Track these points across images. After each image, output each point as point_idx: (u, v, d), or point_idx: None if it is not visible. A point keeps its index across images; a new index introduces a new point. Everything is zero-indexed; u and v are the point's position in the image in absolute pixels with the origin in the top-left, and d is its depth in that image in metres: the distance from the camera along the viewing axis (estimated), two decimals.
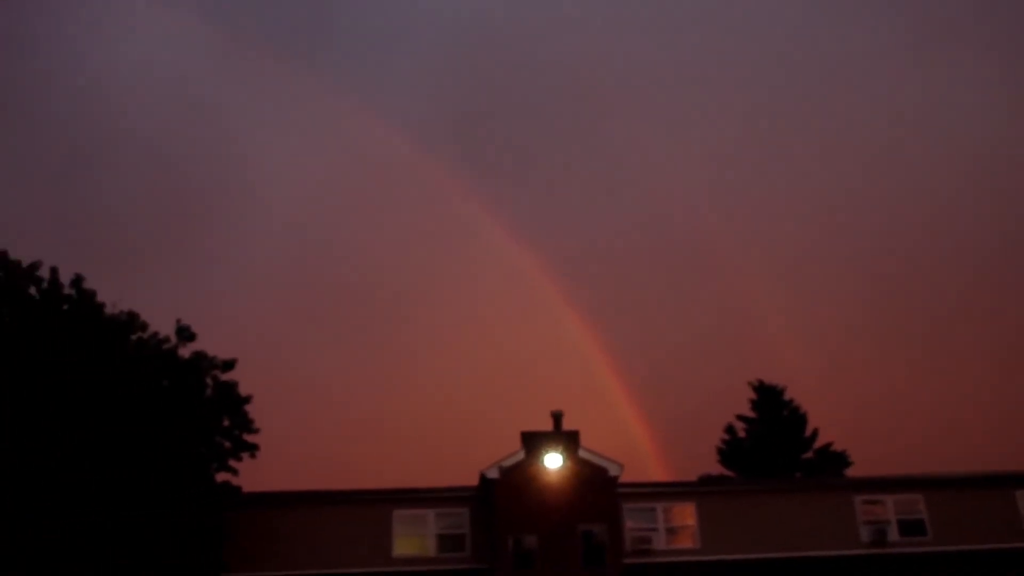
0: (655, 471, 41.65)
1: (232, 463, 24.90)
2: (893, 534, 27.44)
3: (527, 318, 52.31)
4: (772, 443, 42.01)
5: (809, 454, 41.99)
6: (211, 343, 24.72)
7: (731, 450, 43.30)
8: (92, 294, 22.65)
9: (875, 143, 58.20)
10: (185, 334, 24.06)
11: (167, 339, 24.08)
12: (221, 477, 24.84)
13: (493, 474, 26.26)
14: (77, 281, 22.54)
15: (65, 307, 22.27)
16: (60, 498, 20.44)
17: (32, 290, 22.06)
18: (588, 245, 56.83)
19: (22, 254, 22.24)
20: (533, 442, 26.86)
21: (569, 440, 26.97)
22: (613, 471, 26.62)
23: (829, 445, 41.85)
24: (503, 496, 26.06)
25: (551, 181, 58.70)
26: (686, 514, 27.46)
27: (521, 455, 26.68)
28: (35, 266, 22.24)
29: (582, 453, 26.77)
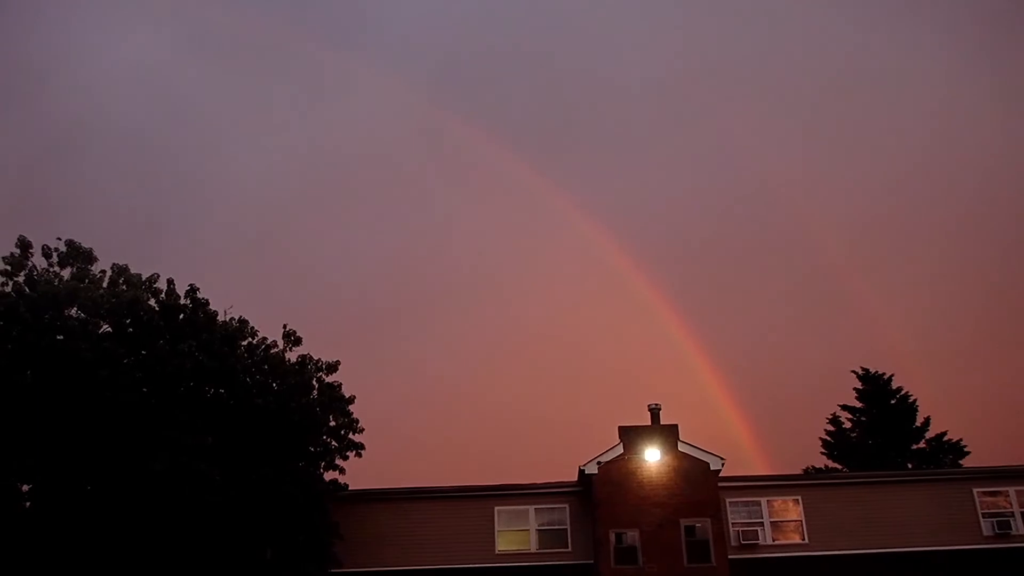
0: (757, 464, 40.91)
1: (339, 461, 25.79)
2: (1018, 526, 26.31)
3: (621, 313, 52.07)
4: (880, 433, 40.71)
5: (921, 444, 40.46)
6: (315, 346, 25.69)
7: (836, 441, 42.16)
8: (205, 302, 23.81)
9: (987, 126, 55.48)
10: (292, 338, 25.07)
11: (275, 343, 25.10)
12: (329, 475, 25.75)
13: (592, 469, 26.37)
14: (192, 291, 23.75)
15: (181, 316, 23.46)
16: (185, 494, 21.58)
17: (151, 301, 23.33)
18: (678, 236, 56.13)
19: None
20: (631, 436, 26.85)
21: (668, 434, 26.85)
22: (715, 464, 26.36)
23: (943, 434, 40.22)
24: (603, 491, 26.15)
25: (638, 174, 58.14)
26: (792, 508, 26.96)
27: (619, 449, 26.71)
28: (153, 278, 23.54)
29: (681, 447, 26.61)
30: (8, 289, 21.88)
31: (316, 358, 25.20)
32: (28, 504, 22.12)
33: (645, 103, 58.67)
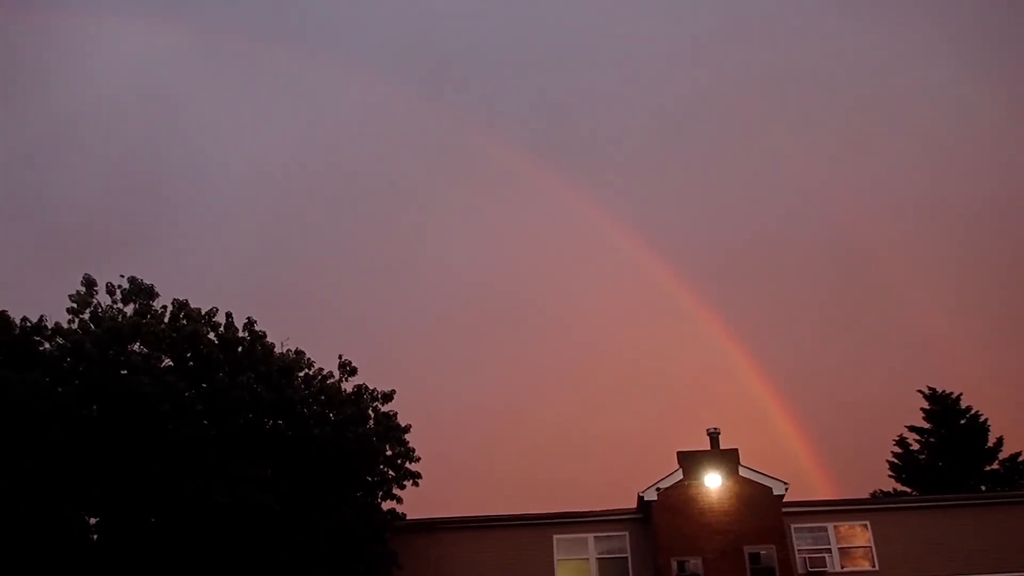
0: (821, 489, 39.87)
1: (396, 491, 25.88)
2: None
3: (672, 334, 51.43)
4: (950, 455, 39.39)
5: (994, 465, 39.04)
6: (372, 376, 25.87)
7: (905, 464, 40.91)
8: (263, 335, 24.19)
9: None
10: (347, 368, 25.32)
11: (330, 374, 25.36)
12: (387, 505, 25.86)
13: (651, 496, 25.99)
14: (250, 324, 24.17)
15: (240, 349, 23.87)
16: (246, 526, 21.82)
17: (210, 334, 23.78)
18: (728, 254, 55.33)
19: None
20: (690, 461, 26.41)
21: (728, 458, 26.35)
22: (778, 489, 25.76)
23: (1017, 455, 38.75)
24: (663, 518, 25.73)
25: (682, 189, 57.59)
26: (860, 533, 26.18)
27: (679, 475, 26.29)
28: (213, 312, 24.02)
29: (743, 471, 26.07)
30: (75, 326, 22.48)
31: (371, 388, 25.42)
32: (95, 536, 22.56)
33: (684, 118, 58.27)
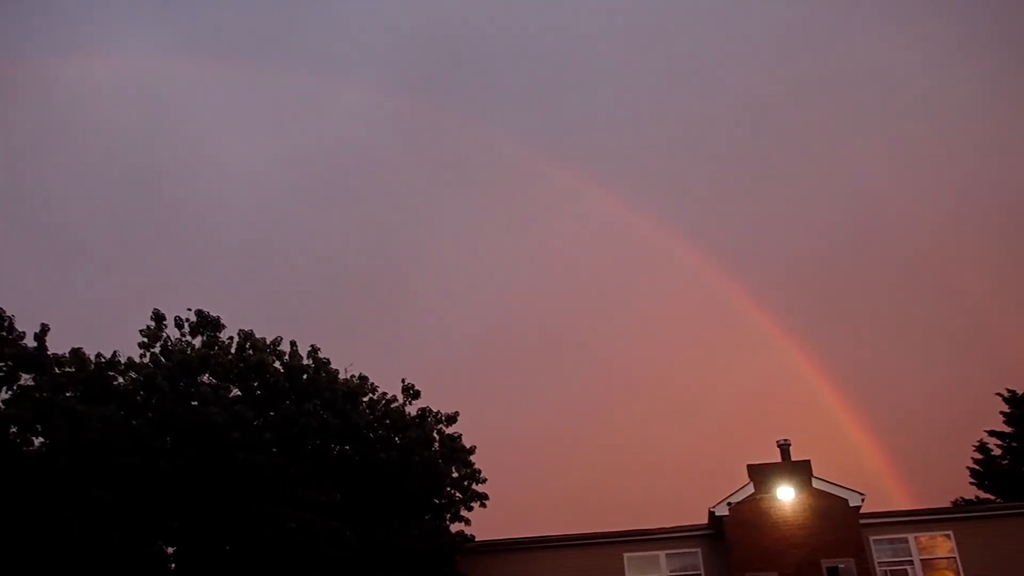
0: (898, 498, 38.61)
1: (464, 512, 25.89)
2: None
3: (735, 345, 50.60)
4: None
5: None
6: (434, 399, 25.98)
7: (986, 470, 39.44)
8: (327, 361, 24.54)
9: None
10: (411, 392, 25.52)
11: (394, 398, 25.57)
12: (455, 527, 25.89)
13: (722, 511, 25.50)
14: (314, 352, 24.55)
15: (305, 376, 24.23)
16: (318, 551, 22.03)
17: (276, 363, 24.19)
18: (792, 260, 54.26)
19: None
20: (761, 474, 25.85)
21: (800, 470, 25.74)
22: (854, 500, 25.04)
23: None
24: (736, 533, 25.20)
25: (740, 196, 56.72)
26: (942, 543, 25.27)
27: (750, 489, 25.74)
28: (277, 341, 24.46)
29: (816, 483, 25.42)
30: (146, 360, 23.07)
31: (435, 410, 25.57)
32: (173, 566, 23.01)
33: (736, 126, 57.50)
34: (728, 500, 25.56)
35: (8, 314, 22.12)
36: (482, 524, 26.30)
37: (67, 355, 22.27)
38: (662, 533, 26.77)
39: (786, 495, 25.38)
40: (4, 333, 22.00)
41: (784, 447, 26.38)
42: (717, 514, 25.56)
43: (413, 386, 25.52)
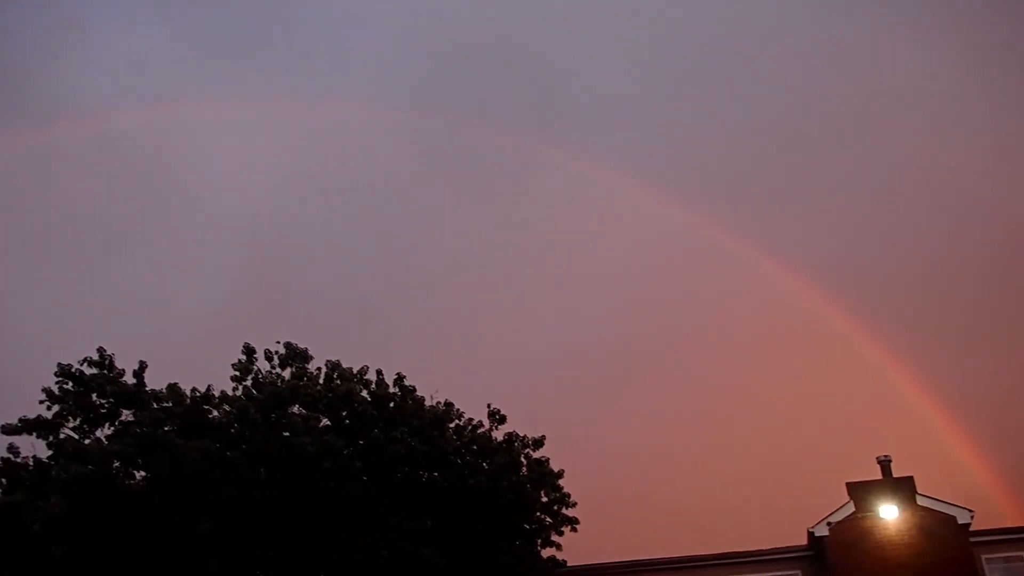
0: (1012, 516, 36.58)
1: (555, 537, 25.65)
2: None
3: (829, 360, 48.97)
4: None
5: None
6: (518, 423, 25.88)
7: None
8: (412, 389, 24.74)
9: None
10: (497, 417, 25.48)
11: (480, 423, 25.58)
12: (546, 552, 25.64)
13: (822, 531, 24.56)
14: (399, 379, 24.80)
15: (391, 404, 24.46)
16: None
17: (363, 392, 24.50)
18: (884, 271, 52.31)
19: None
20: (862, 492, 24.83)
21: (903, 487, 24.64)
22: (963, 518, 23.80)
23: None
24: (838, 555, 24.23)
25: (822, 204, 55.01)
26: None
27: (850, 508, 24.74)
28: (364, 370, 24.78)
29: (921, 500, 24.28)
30: (239, 393, 23.65)
31: (522, 434, 25.46)
32: None
33: (828, 137, 56.01)
34: (828, 520, 24.62)
35: (108, 352, 23.06)
36: (573, 548, 26.00)
37: (164, 390, 23.05)
38: (760, 555, 25.93)
39: (889, 513, 24.31)
40: (105, 371, 22.94)
41: (885, 463, 25.32)
42: (817, 534, 24.63)
43: (499, 411, 25.51)
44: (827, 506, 24.95)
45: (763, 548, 26.05)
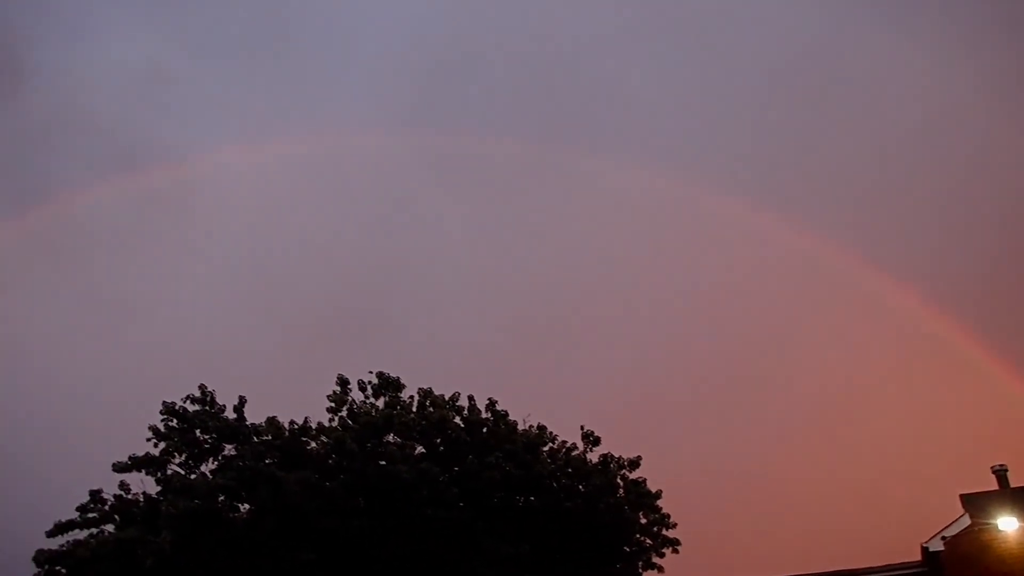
0: None
1: (656, 559, 25.19)
2: None
3: (932, 366, 47.04)
4: None
5: None
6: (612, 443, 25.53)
7: None
8: (505, 414, 24.71)
9: None
10: (591, 439, 25.22)
11: (574, 446, 25.35)
12: (648, 575, 25.19)
13: (936, 546, 23.56)
14: (491, 404, 24.80)
15: (484, 429, 24.46)
16: None
17: (456, 419, 24.57)
18: (984, 270, 50.01)
19: None
20: (977, 505, 23.74)
21: (1021, 497, 23.44)
22: None
23: None
24: (955, 570, 23.21)
25: (917, 206, 53.01)
26: None
27: (965, 521, 23.67)
28: (456, 396, 24.87)
29: None
30: (335, 424, 23.99)
31: (617, 455, 25.13)
32: None
33: (918, 142, 54.11)
34: (942, 534, 23.59)
35: (209, 389, 23.71)
36: (677, 570, 25.46)
37: (263, 424, 23.54)
38: (873, 572, 24.96)
39: (1009, 526, 23.14)
40: (207, 407, 23.59)
41: (1001, 473, 24.17)
42: (931, 549, 23.61)
43: (592, 433, 25.24)
44: (940, 520, 23.96)
45: (875, 565, 25.08)
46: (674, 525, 25.01)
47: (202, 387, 23.47)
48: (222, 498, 22.74)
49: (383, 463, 23.31)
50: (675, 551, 24.97)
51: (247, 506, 23.03)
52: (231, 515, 22.91)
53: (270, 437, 23.21)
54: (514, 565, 22.62)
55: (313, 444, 23.74)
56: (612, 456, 25.15)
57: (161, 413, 23.07)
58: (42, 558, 21.46)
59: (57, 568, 21.64)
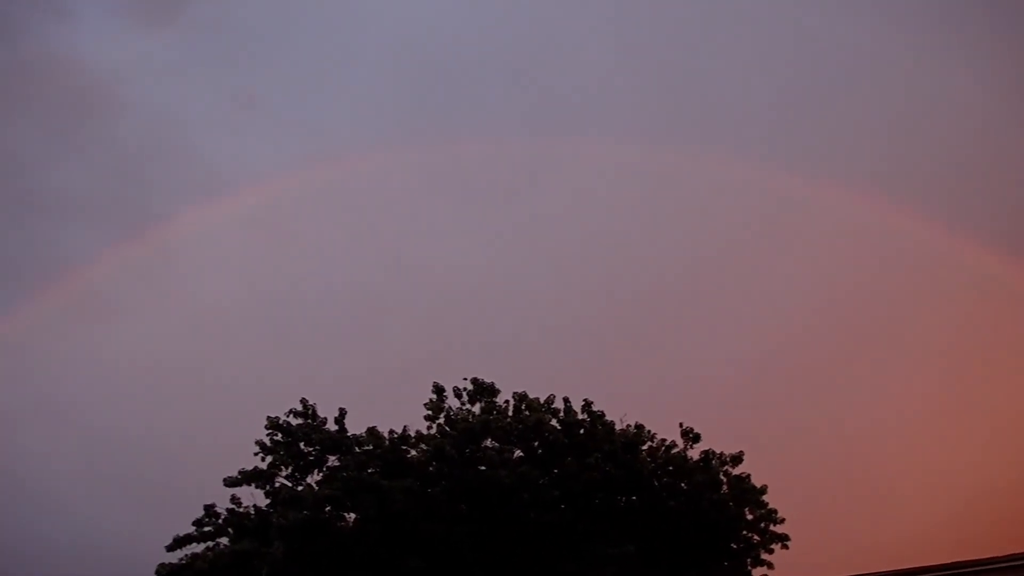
0: None
1: (765, 556, 24.62)
2: None
3: None
4: None
5: None
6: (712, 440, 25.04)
7: None
8: (601, 414, 24.54)
9: None
10: (690, 436, 24.83)
11: (673, 444, 25.01)
12: (757, 572, 24.68)
13: None
14: (587, 405, 24.67)
15: (581, 431, 24.37)
16: None
17: (552, 421, 24.55)
18: None
19: None
20: None
21: None
22: None
23: None
24: None
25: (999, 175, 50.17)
26: None
27: None
28: (551, 399, 24.85)
29: None
30: (433, 431, 24.28)
31: (719, 452, 24.66)
32: None
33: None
34: None
35: (311, 402, 24.34)
36: (786, 566, 24.79)
37: (364, 434, 24.02)
38: (997, 562, 23.69)
39: None
40: (310, 420, 24.22)
41: None
42: None
43: (692, 429, 24.80)
44: None
45: (998, 555, 23.79)
46: (782, 520, 24.37)
47: (303, 401, 24.13)
48: (328, 508, 23.31)
49: (482, 468, 23.46)
50: (784, 547, 24.33)
51: (353, 515, 23.57)
52: (338, 524, 23.47)
53: (371, 447, 23.66)
54: (619, 566, 22.40)
55: (413, 452, 24.07)
56: (714, 452, 24.69)
57: (266, 428, 23.82)
58: (164, 571, 22.49)
59: None
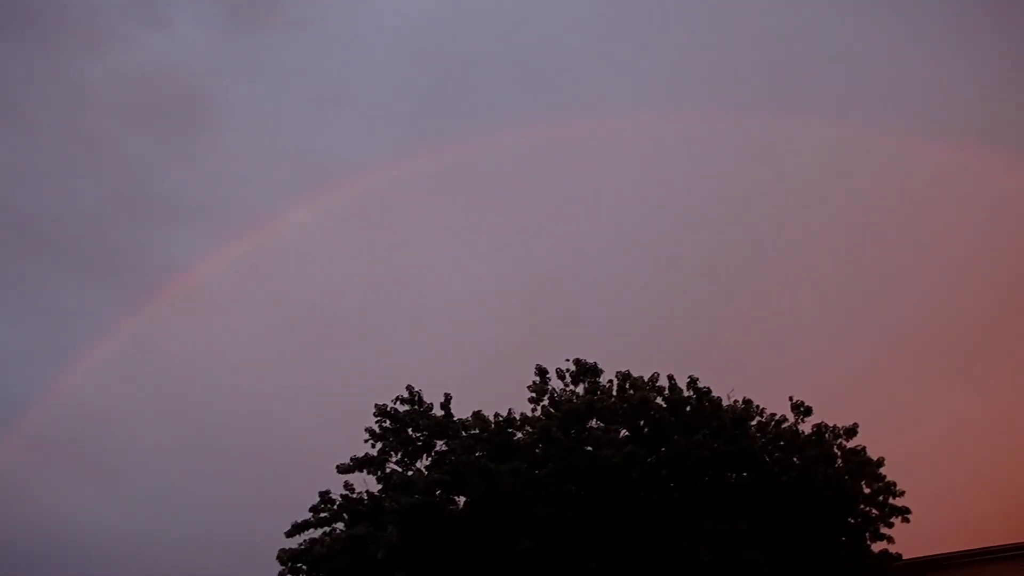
0: None
1: (884, 530, 23.87)
2: None
3: None
4: None
5: None
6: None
7: None
8: (707, 391, 24.14)
9: None
10: (801, 409, 24.22)
11: (784, 418, 24.43)
12: (877, 546, 23.90)
13: None
14: (693, 382, 24.29)
15: (688, 408, 24.03)
16: None
17: (657, 399, 24.29)
18: None
19: None
20: None
21: None
22: None
23: None
24: None
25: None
26: None
27: None
28: (655, 377, 24.59)
29: None
30: (538, 413, 24.32)
31: (831, 424, 23.97)
32: None
33: None
34: None
35: (416, 389, 24.69)
36: (907, 540, 23.93)
37: (469, 418, 24.23)
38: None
39: None
40: (416, 406, 24.57)
41: None
42: None
43: (803, 403, 24.16)
44: None
45: None
46: (901, 493, 23.53)
47: (409, 388, 24.48)
48: (439, 492, 23.63)
49: (589, 449, 23.41)
50: (905, 520, 23.52)
51: (463, 499, 23.84)
52: (449, 508, 23.79)
53: (477, 431, 23.85)
54: (732, 543, 22.05)
55: (519, 435, 24.17)
56: (826, 426, 24.02)
57: (374, 415, 24.27)
58: (285, 556, 23.22)
59: (298, 565, 23.34)
